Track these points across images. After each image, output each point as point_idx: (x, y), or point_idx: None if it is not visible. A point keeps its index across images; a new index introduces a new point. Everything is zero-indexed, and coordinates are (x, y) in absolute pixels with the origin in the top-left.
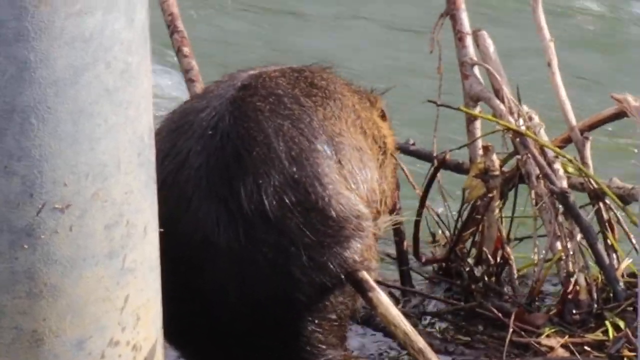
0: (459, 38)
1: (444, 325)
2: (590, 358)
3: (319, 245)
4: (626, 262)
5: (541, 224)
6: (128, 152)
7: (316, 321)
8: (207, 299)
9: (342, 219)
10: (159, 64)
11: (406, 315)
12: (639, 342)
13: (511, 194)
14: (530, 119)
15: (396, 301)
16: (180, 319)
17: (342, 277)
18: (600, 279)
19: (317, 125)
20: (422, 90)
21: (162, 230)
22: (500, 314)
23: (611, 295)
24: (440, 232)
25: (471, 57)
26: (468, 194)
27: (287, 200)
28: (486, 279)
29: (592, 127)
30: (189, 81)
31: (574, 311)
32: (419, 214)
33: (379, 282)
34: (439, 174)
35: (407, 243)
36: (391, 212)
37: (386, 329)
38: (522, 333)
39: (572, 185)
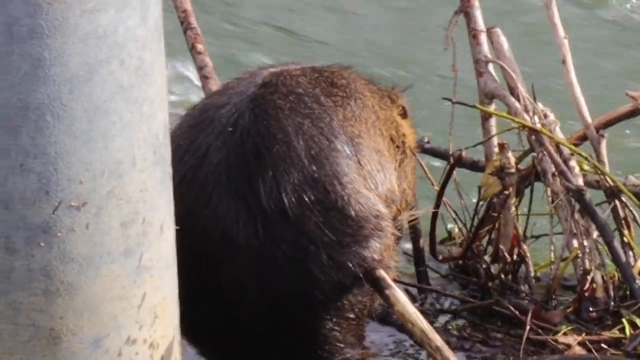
0: (473, 35)
1: (460, 322)
2: (607, 356)
3: (338, 244)
4: None
5: (557, 221)
6: (143, 150)
7: (334, 320)
8: (226, 296)
9: (361, 218)
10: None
11: (423, 313)
12: None
13: (527, 191)
14: (546, 116)
15: (413, 299)
16: (198, 316)
17: (361, 275)
18: (616, 277)
19: (337, 125)
20: (436, 87)
21: (179, 227)
22: (517, 312)
23: (628, 292)
24: (456, 229)
25: (485, 55)
26: (484, 191)
27: (306, 199)
28: (503, 276)
29: (607, 124)
30: (204, 78)
31: (591, 309)
32: (435, 212)
33: (395, 280)
34: (454, 172)
35: (424, 241)
36: (411, 208)
37: (403, 327)
38: (539, 330)
39: (588, 183)
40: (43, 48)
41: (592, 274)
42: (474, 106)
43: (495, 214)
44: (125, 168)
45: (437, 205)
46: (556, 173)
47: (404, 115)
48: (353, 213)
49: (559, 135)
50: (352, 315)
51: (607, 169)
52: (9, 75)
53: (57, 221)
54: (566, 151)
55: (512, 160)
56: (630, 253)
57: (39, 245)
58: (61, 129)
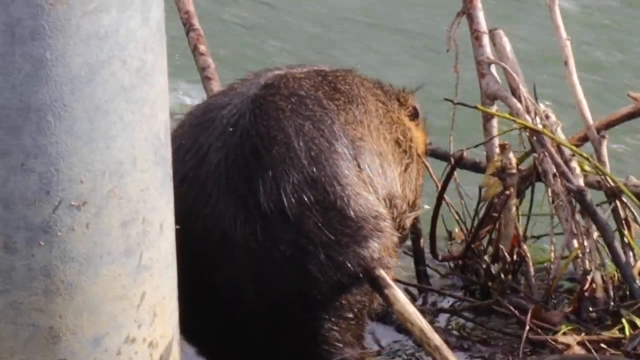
0: (476, 37)
1: (460, 322)
2: (606, 356)
3: (337, 244)
4: None
5: (558, 222)
6: (144, 150)
7: (333, 319)
8: (224, 296)
9: (360, 219)
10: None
11: (422, 312)
12: None
13: (528, 192)
14: (547, 117)
15: (412, 298)
16: (196, 315)
17: (360, 275)
18: (616, 277)
19: (338, 128)
20: (438, 89)
21: (179, 227)
22: (516, 311)
23: (628, 292)
24: (456, 229)
25: (488, 56)
26: (485, 192)
27: (305, 199)
28: (503, 276)
29: (608, 125)
30: (206, 79)
31: (591, 309)
32: (436, 212)
33: (395, 280)
34: (455, 172)
35: (424, 240)
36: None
37: (402, 326)
38: (539, 330)
39: (588, 184)
40: (45, 49)
41: (592, 274)
42: (475, 107)
43: (496, 214)
44: (126, 168)
45: (437, 205)
46: (557, 174)
47: (413, 116)
48: (352, 213)
49: (560, 136)
50: (351, 315)
51: (608, 170)
52: (10, 76)
53: (58, 221)
54: (567, 152)
55: (513, 160)
56: (631, 253)
57: (40, 244)
58: (62, 129)
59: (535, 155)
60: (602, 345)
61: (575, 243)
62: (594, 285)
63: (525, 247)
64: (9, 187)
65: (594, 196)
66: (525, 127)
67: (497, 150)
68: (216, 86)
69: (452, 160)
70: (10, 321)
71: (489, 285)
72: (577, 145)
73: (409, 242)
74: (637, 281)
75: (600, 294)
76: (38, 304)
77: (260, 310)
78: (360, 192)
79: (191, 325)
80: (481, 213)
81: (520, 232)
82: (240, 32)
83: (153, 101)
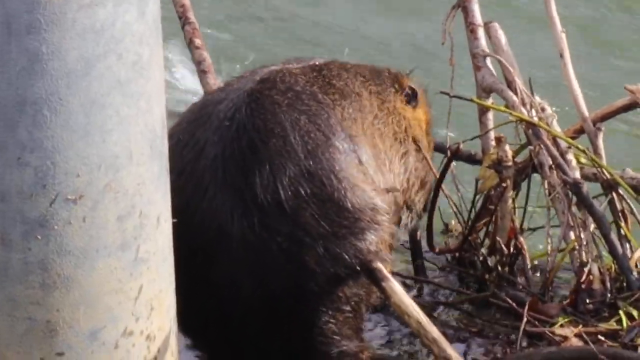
0: (471, 30)
1: (457, 314)
2: (603, 347)
3: (334, 236)
4: (639, 252)
5: (554, 214)
6: (140, 144)
7: (330, 312)
8: (221, 288)
9: (357, 211)
10: None
11: (420, 304)
12: None
13: (524, 184)
14: (543, 109)
15: (410, 291)
16: (194, 308)
17: (357, 267)
18: (613, 269)
19: (334, 122)
20: (434, 81)
21: (176, 220)
22: (514, 304)
23: (624, 284)
24: (453, 222)
25: (483, 49)
26: (481, 184)
27: (302, 192)
28: (499, 268)
29: (604, 117)
30: (202, 72)
31: (588, 301)
32: (433, 204)
33: (392, 273)
34: (452, 165)
35: (420, 233)
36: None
37: (400, 319)
38: (536, 323)
39: (585, 176)
40: (41, 43)
41: (589, 266)
42: (471, 100)
43: (493, 207)
44: (122, 162)
45: (434, 198)
46: (553, 166)
47: (411, 98)
48: (349, 205)
49: (556, 128)
50: (348, 308)
51: (604, 162)
52: (6, 69)
53: (54, 214)
54: (563, 144)
55: (509, 153)
56: (627, 245)
57: (36, 238)
58: (58, 123)
59: (531, 147)
60: (599, 337)
61: (572, 235)
62: (590, 277)
63: (522, 239)
64: (5, 181)
65: (590, 188)
66: (521, 120)
67: (493, 142)
68: (212, 79)
69: (449, 152)
70: (7, 315)
71: (486, 277)
72: (573, 138)
73: (405, 236)
74: (634, 273)
75: (597, 285)
76: (35, 297)
77: (257, 303)
78: (357, 184)
79: (188, 319)
80: (478, 205)
81: (517, 225)
82: (236, 25)
83: (149, 95)
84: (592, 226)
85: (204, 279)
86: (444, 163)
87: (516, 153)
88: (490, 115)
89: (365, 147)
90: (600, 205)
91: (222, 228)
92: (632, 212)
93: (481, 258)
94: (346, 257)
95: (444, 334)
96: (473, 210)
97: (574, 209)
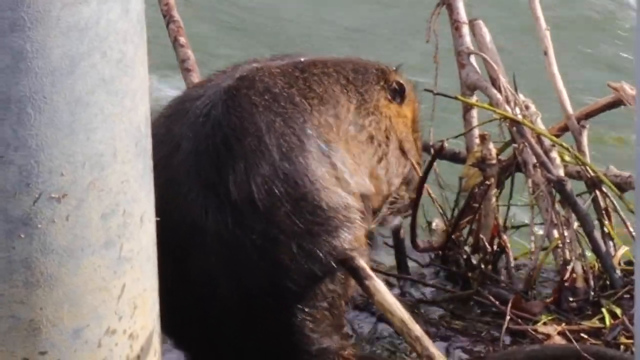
0: (456, 27)
1: (440, 312)
2: (587, 345)
3: (308, 234)
4: (623, 250)
5: (538, 212)
6: (125, 142)
7: (306, 310)
8: (197, 285)
9: (331, 209)
10: None
11: (403, 302)
12: (635, 329)
13: (508, 182)
14: (527, 107)
15: (392, 289)
16: (171, 306)
17: (332, 264)
18: (596, 267)
19: (309, 126)
20: (418, 79)
21: (159, 219)
22: (497, 302)
23: (608, 282)
24: (437, 220)
25: (468, 47)
26: (465, 182)
27: (276, 191)
28: (483, 266)
29: (588, 115)
30: (185, 71)
31: (571, 299)
32: (416, 203)
33: (375, 270)
34: (435, 163)
35: (404, 231)
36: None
37: (383, 317)
38: (519, 320)
39: (569, 174)
40: (25, 41)
41: (572, 264)
42: (455, 98)
43: (476, 205)
44: (107, 160)
45: (418, 196)
46: (537, 164)
47: (397, 93)
48: (323, 204)
49: (540, 126)
50: (325, 305)
51: (588, 160)
52: None
53: (38, 213)
54: (547, 142)
55: (493, 151)
56: (611, 243)
57: (20, 237)
58: (43, 121)
59: (515, 145)
60: (583, 335)
61: (555, 233)
62: (574, 275)
63: (505, 237)
64: None
65: (574, 186)
66: (505, 118)
67: (477, 140)
68: (196, 78)
69: (433, 150)
70: None
71: (469, 275)
72: (557, 136)
73: (389, 234)
74: (617, 271)
75: (580, 284)
76: (18, 296)
77: (234, 301)
78: (330, 186)
79: (166, 316)
80: (461, 203)
81: (501, 223)
82: (220, 24)
83: (133, 93)
84: (576, 224)
85: (182, 276)
86: (427, 161)
87: (500, 151)
88: (474, 113)
89: (340, 152)
90: (584, 203)
91: (196, 223)
92: (615, 210)
93: (465, 256)
94: (320, 254)
95: (427, 332)
96: (456, 208)
97: (557, 206)
